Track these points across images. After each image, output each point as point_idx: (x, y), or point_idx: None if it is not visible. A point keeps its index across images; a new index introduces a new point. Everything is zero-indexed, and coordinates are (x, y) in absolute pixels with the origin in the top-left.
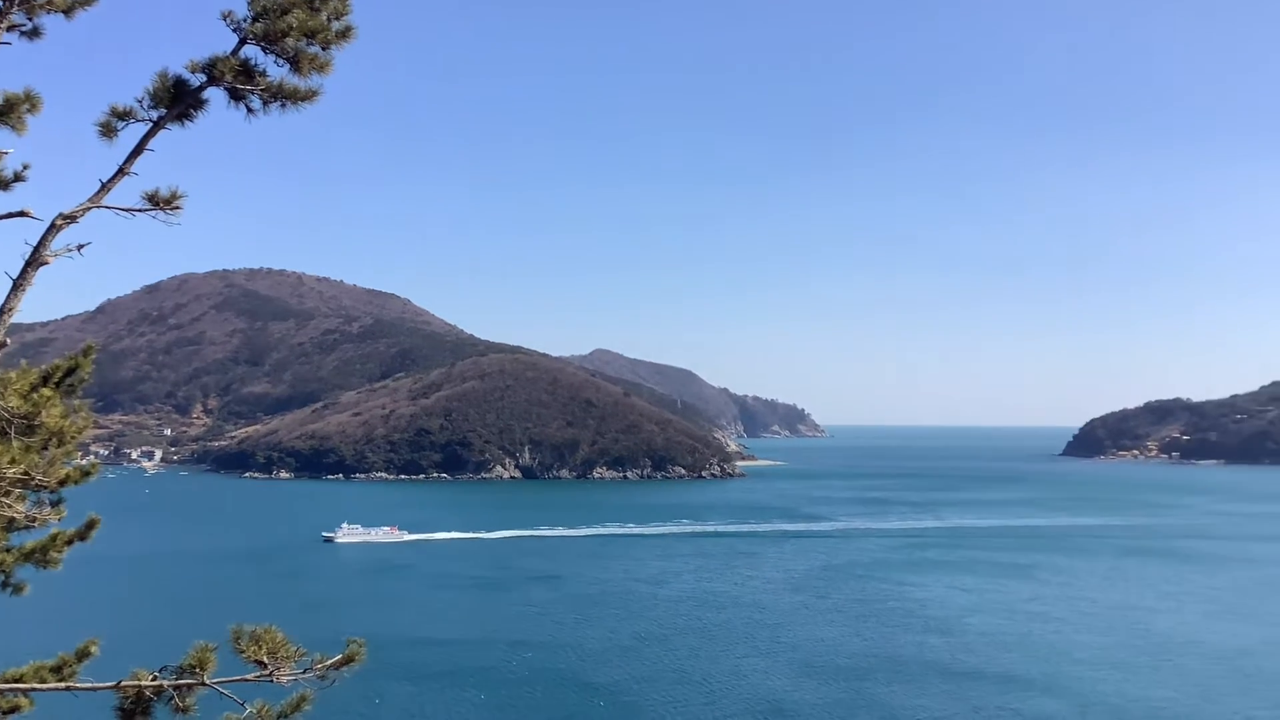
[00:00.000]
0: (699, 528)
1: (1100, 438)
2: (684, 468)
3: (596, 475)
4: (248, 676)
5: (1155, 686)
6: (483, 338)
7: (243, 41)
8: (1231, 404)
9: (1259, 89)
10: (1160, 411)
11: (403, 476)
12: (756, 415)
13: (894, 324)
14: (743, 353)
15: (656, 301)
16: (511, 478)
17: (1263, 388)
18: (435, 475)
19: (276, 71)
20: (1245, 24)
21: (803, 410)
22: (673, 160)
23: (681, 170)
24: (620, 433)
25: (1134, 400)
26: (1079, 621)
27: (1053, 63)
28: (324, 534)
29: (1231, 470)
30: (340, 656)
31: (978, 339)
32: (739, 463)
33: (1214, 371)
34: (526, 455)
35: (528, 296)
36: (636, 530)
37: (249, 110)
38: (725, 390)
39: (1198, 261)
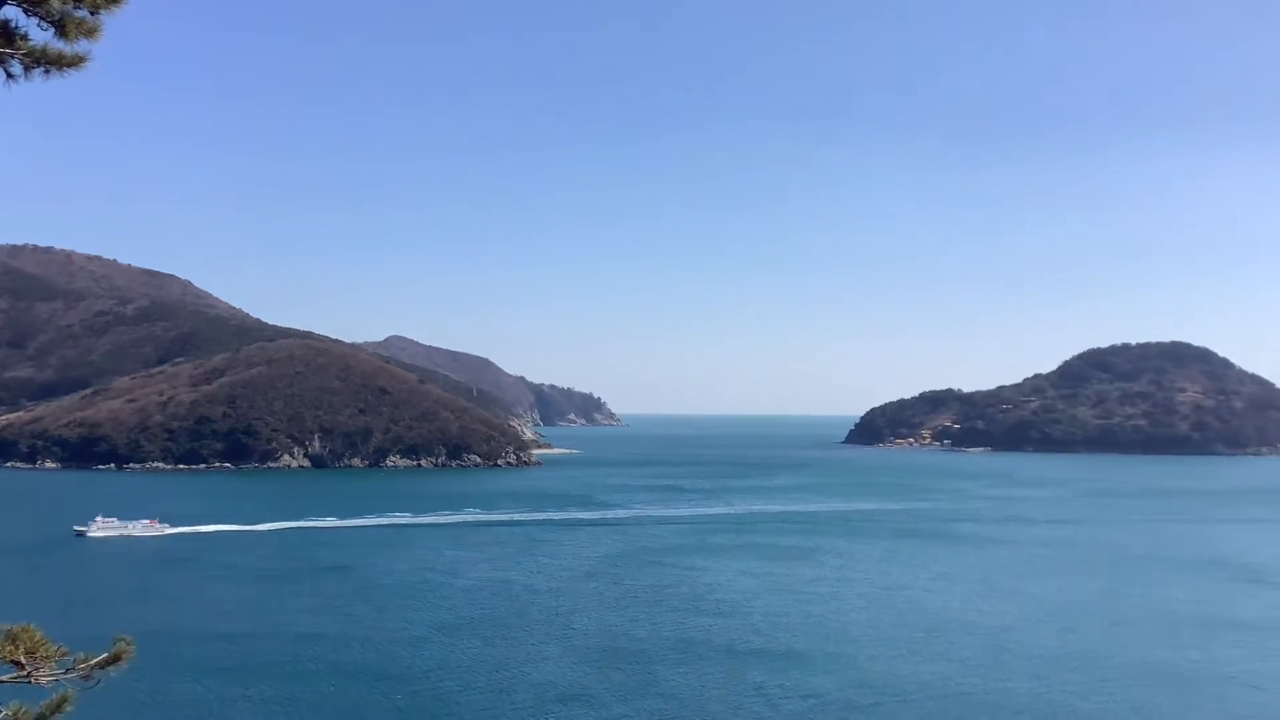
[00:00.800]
0: (494, 516)
1: (879, 426)
2: (479, 456)
3: (390, 464)
4: (2, 678)
5: (926, 661)
6: (271, 323)
7: (2, 3)
8: (998, 395)
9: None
10: (934, 401)
11: (182, 466)
12: (553, 403)
13: (687, 314)
14: (540, 341)
15: (454, 288)
16: (300, 467)
17: (1025, 380)
18: (218, 465)
19: (41, 35)
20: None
21: (599, 399)
22: (467, 136)
23: (477, 148)
24: (415, 420)
25: (911, 390)
26: (857, 602)
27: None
28: (75, 528)
29: (997, 456)
30: (106, 655)
31: (771, 331)
32: (535, 451)
33: (983, 364)
34: (317, 444)
35: (319, 281)
36: (430, 519)
37: (8, 75)
38: (522, 378)
39: (970, 260)
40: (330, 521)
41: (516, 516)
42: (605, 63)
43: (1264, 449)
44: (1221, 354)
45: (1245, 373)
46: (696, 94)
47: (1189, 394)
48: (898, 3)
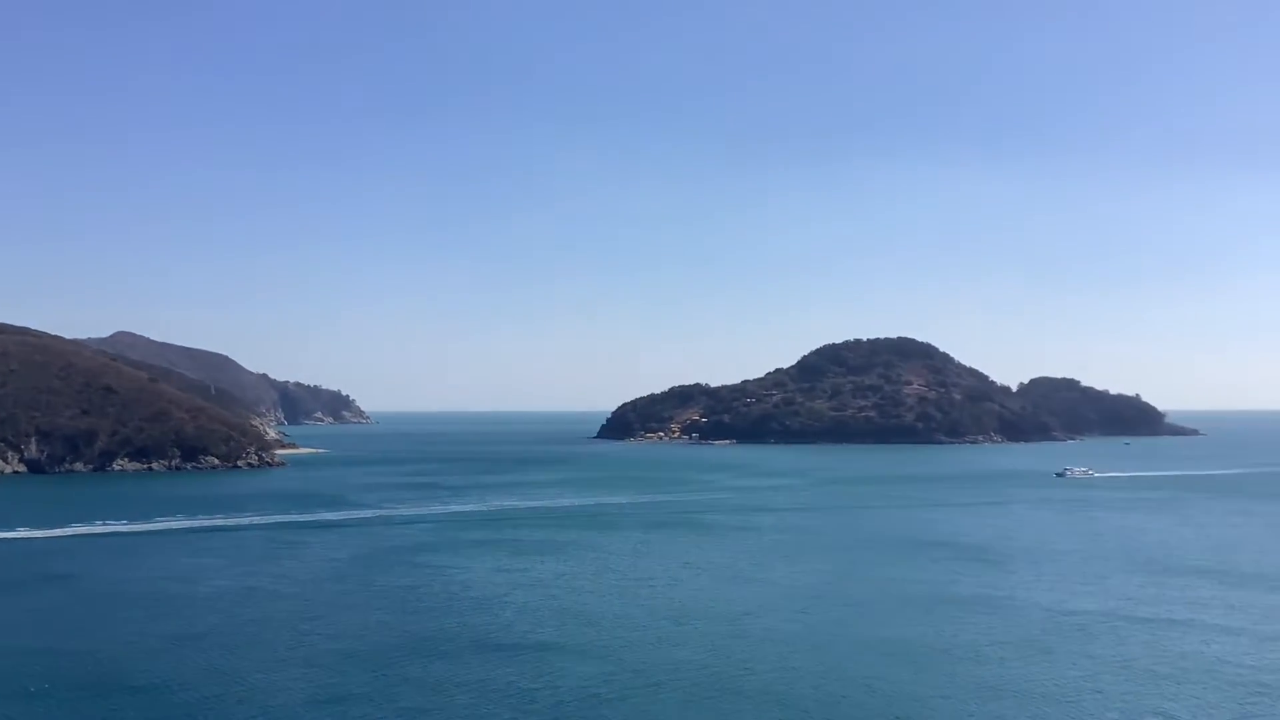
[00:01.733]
0: (235, 520)
1: (630, 421)
2: (218, 457)
3: (117, 467)
4: None
5: (674, 649)
6: None
7: None
8: (742, 389)
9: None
10: (683, 396)
11: None
12: (299, 402)
13: (439, 310)
14: (284, 337)
15: (188, 280)
16: (15, 473)
17: (768, 374)
18: None
19: None
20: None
21: (348, 397)
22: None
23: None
24: (145, 421)
25: (662, 386)
26: (608, 594)
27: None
28: None
29: (741, 449)
30: None
31: (529, 329)
32: (279, 451)
33: (729, 360)
34: (34, 448)
35: (36, 272)
36: (165, 525)
37: None
38: (265, 376)
39: (721, 260)
40: (50, 531)
41: (259, 520)
42: (295, 43)
43: (979, 437)
44: (943, 349)
45: (963, 366)
46: (459, 86)
47: (914, 387)
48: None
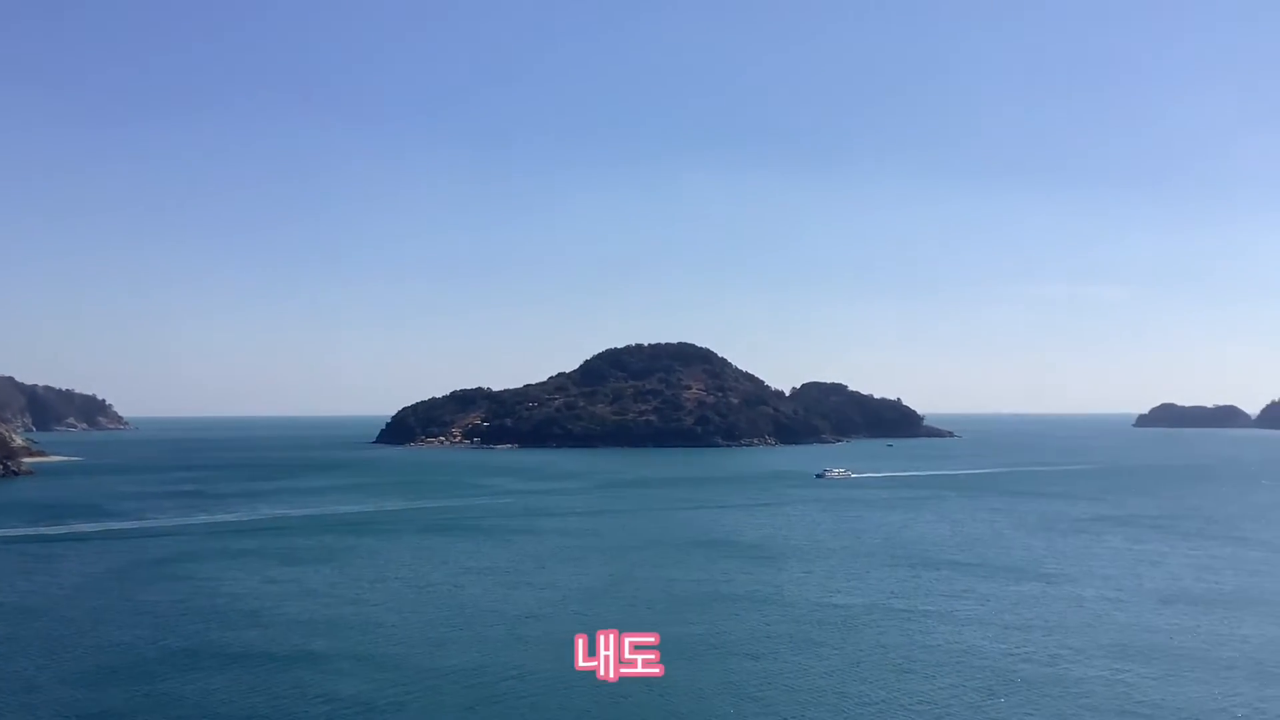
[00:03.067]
0: None
1: (411, 425)
2: None
3: None
4: None
5: (453, 654)
6: None
7: None
8: (525, 393)
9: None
10: (464, 400)
11: None
12: (49, 406)
13: (206, 309)
14: (32, 336)
15: None
16: None
17: (550, 378)
18: None
19: None
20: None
21: (104, 401)
22: None
23: None
24: None
25: (443, 389)
26: (385, 601)
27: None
28: None
29: (524, 453)
30: None
31: (307, 331)
32: (27, 459)
33: (512, 362)
34: None
35: None
36: None
37: None
38: (11, 379)
39: (498, 261)
40: None
41: (4, 533)
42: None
43: (755, 440)
44: (721, 354)
45: (741, 371)
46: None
47: (693, 391)
48: None
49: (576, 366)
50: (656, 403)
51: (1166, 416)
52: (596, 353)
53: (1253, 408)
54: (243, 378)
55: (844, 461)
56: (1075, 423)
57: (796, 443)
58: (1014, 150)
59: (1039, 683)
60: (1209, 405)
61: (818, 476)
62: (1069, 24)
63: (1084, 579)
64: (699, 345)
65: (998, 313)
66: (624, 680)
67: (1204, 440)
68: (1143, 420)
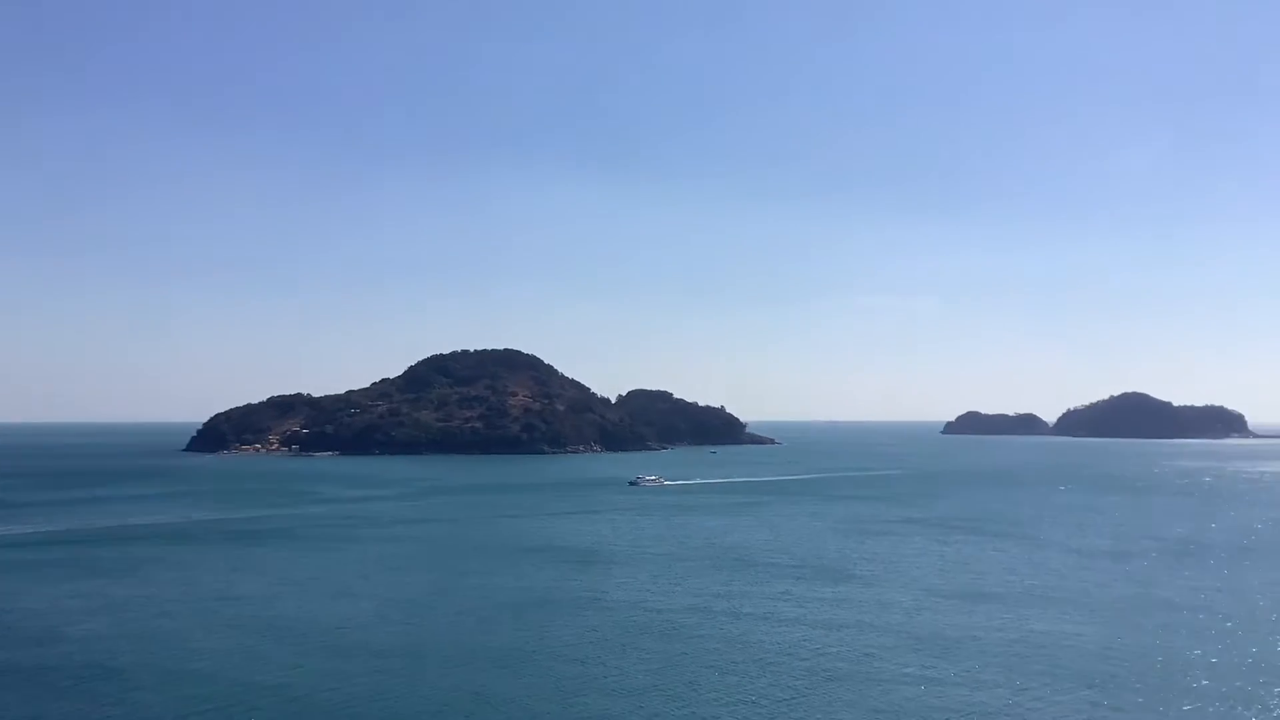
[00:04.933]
0: None
1: (224, 432)
2: None
3: None
4: None
5: (270, 667)
6: None
7: None
8: (347, 399)
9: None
10: (283, 406)
11: None
12: None
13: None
14: None
15: None
16: None
17: (374, 384)
18: None
19: None
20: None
21: None
22: None
23: None
24: None
25: (259, 394)
26: (197, 614)
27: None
28: None
29: (345, 460)
30: None
31: (102, 327)
32: None
33: (334, 368)
34: None
35: None
36: None
37: None
38: None
39: (321, 265)
40: None
41: None
42: None
43: (581, 448)
44: (548, 361)
45: (567, 378)
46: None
47: (519, 398)
48: None
49: (401, 373)
50: (482, 409)
51: (972, 424)
52: (422, 359)
53: (1050, 416)
54: (44, 382)
55: (669, 469)
56: (889, 429)
57: (622, 450)
58: (838, 169)
59: (852, 680)
60: (1011, 414)
61: (631, 484)
62: (891, 51)
63: (895, 579)
64: (526, 352)
65: (818, 323)
66: (448, 687)
67: (1005, 447)
68: (950, 427)
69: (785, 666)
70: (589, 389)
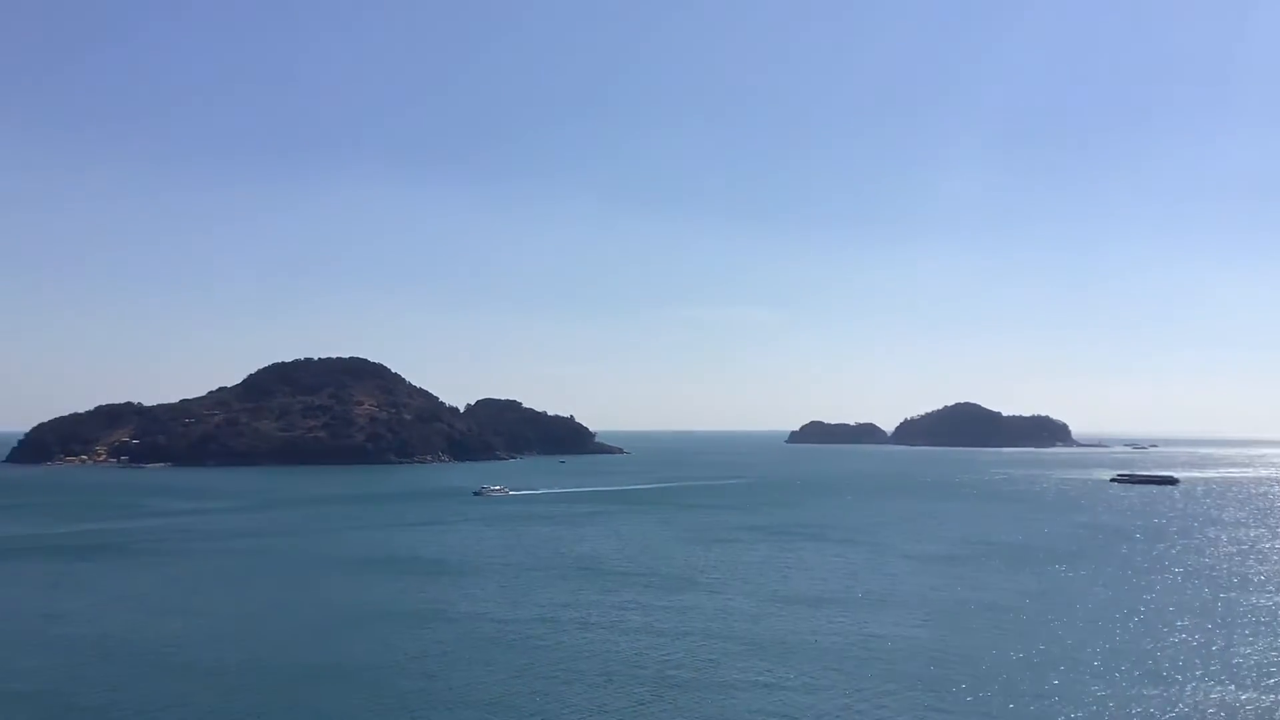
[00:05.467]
0: None
1: (49, 443)
2: None
3: None
4: None
5: (93, 689)
6: None
7: None
8: (182, 408)
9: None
10: (112, 415)
11: None
12: None
13: None
14: None
15: None
16: None
17: (210, 393)
18: None
19: None
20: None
21: None
22: None
23: None
24: None
25: (86, 403)
26: (16, 633)
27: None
28: None
29: (179, 472)
30: None
31: None
32: None
33: (167, 377)
34: None
35: None
36: None
37: None
38: None
39: (152, 270)
40: None
41: None
42: None
43: (429, 457)
44: (395, 369)
45: (414, 387)
46: None
47: (365, 407)
48: None
49: (240, 381)
50: (327, 419)
51: (815, 433)
52: (262, 367)
53: (889, 425)
54: None
55: (517, 478)
56: (735, 439)
57: (471, 459)
58: (678, 181)
59: (694, 687)
60: (852, 423)
61: (476, 494)
62: (731, 60)
63: (738, 586)
64: (372, 360)
65: (660, 334)
66: (286, 705)
67: (846, 455)
68: (794, 437)
69: (631, 676)
70: (437, 398)
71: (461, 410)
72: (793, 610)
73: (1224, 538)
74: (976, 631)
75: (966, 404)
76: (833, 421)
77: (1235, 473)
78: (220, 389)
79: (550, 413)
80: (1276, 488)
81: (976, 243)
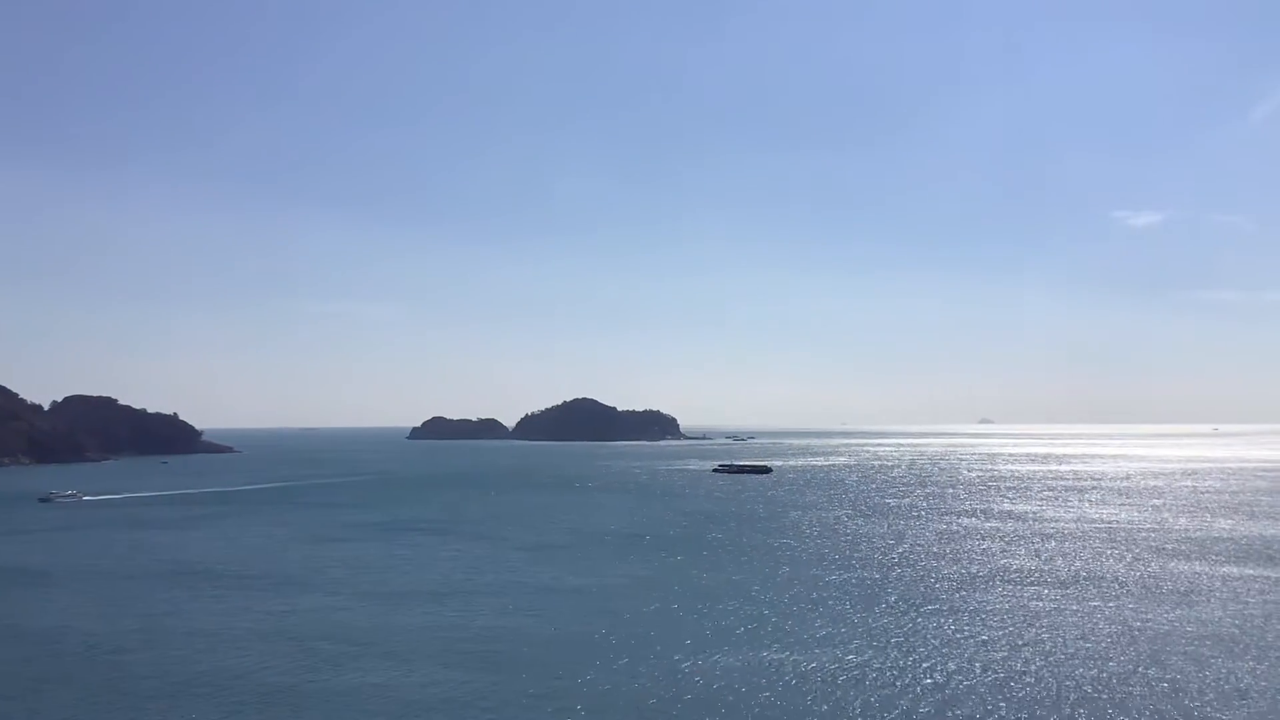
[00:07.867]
0: None
1: None
2: None
3: None
4: None
5: None
6: None
7: None
8: None
9: None
10: None
11: None
12: None
13: None
14: None
15: None
16: None
17: None
18: None
19: None
20: None
21: None
22: None
23: None
24: None
25: None
26: None
27: None
28: None
29: None
30: None
31: None
32: None
33: None
34: None
35: None
36: None
37: None
38: None
39: None
40: None
41: None
42: None
43: (6, 459)
44: None
45: None
46: None
47: None
48: None
49: None
50: None
51: (437, 429)
52: None
53: (511, 420)
54: None
55: (108, 481)
56: (355, 435)
57: (59, 462)
58: (274, 167)
59: (308, 693)
60: (474, 418)
61: (42, 501)
62: (361, 65)
63: (356, 584)
64: None
65: (269, 329)
66: None
67: (469, 450)
68: (415, 433)
69: (229, 686)
70: (15, 394)
71: (45, 408)
72: (411, 607)
73: (805, 519)
74: (587, 617)
75: (585, 399)
76: (455, 417)
77: (819, 461)
78: None
79: (151, 410)
80: (850, 474)
81: (589, 243)
